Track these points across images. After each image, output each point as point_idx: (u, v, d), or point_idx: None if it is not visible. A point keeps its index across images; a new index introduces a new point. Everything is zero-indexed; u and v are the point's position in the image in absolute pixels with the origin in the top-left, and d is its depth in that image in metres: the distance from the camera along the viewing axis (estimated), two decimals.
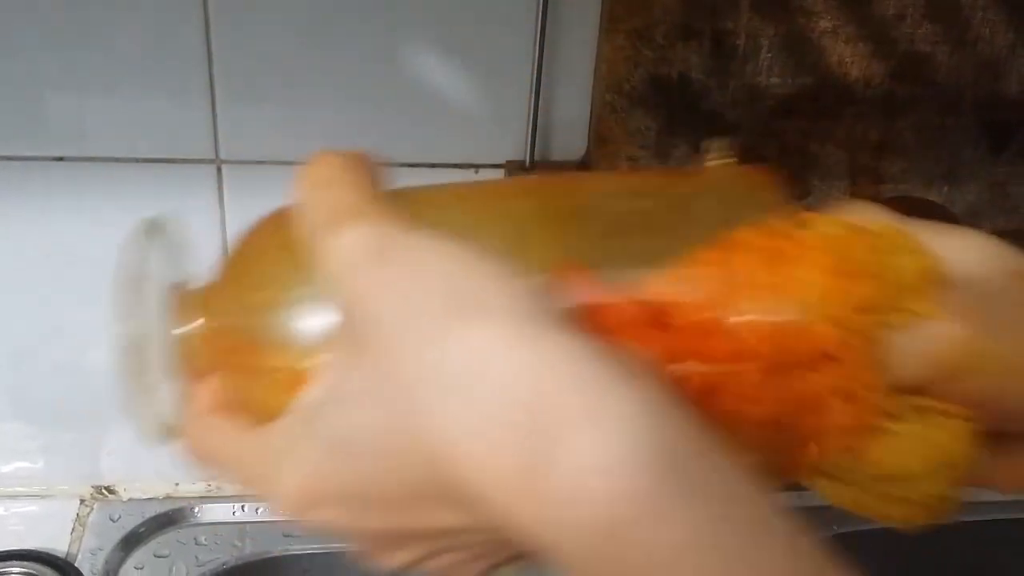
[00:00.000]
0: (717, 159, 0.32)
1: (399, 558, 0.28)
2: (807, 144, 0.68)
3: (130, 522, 0.73)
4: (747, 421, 0.26)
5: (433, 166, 0.67)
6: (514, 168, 0.67)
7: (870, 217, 0.28)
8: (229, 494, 0.76)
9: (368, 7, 0.62)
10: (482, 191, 0.36)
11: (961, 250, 0.28)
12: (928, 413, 0.27)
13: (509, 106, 0.66)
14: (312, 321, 0.28)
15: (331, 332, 0.27)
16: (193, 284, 0.32)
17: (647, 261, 0.28)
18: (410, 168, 0.66)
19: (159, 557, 0.72)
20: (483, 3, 0.63)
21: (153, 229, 0.32)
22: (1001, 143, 0.70)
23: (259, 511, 0.75)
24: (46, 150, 0.64)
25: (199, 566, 0.71)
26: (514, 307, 0.24)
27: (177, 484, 0.76)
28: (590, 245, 0.29)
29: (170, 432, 0.32)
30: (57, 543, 0.70)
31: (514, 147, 0.67)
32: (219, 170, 0.65)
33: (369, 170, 0.28)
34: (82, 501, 0.75)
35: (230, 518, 0.75)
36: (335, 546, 0.73)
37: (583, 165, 0.68)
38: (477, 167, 0.68)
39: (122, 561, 0.71)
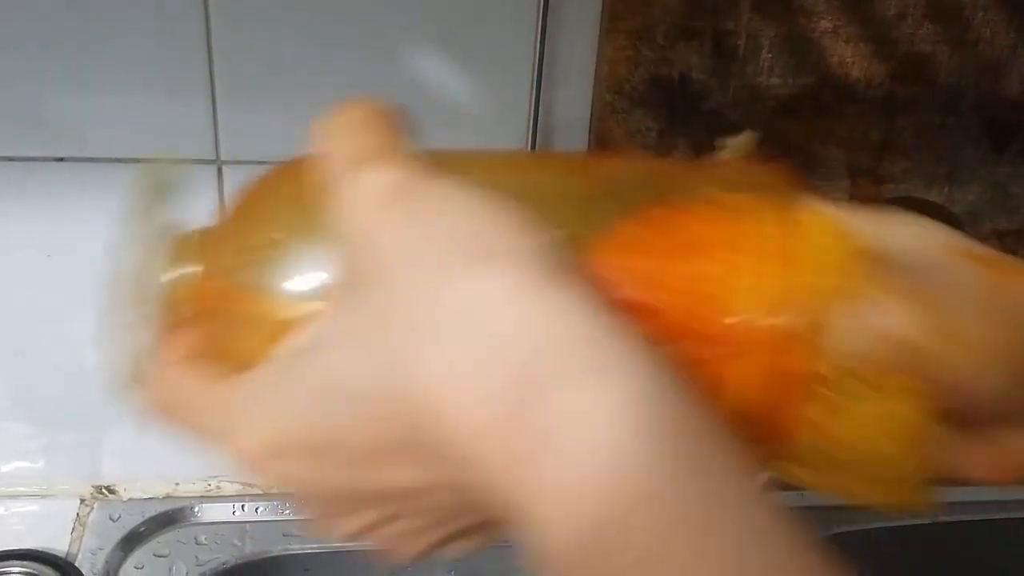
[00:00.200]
0: (733, 153, 0.32)
1: (351, 523, 0.27)
2: (808, 144, 0.68)
3: (130, 522, 0.73)
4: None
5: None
6: None
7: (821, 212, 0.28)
8: (229, 494, 0.76)
9: (369, 8, 0.62)
10: (507, 159, 0.36)
11: (901, 234, 0.29)
12: (882, 389, 0.27)
13: (510, 107, 0.66)
14: (308, 268, 0.27)
15: (328, 282, 0.27)
16: (188, 229, 0.31)
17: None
18: None
19: (159, 557, 0.72)
20: (484, 3, 0.63)
21: (154, 173, 0.31)
22: (1002, 143, 0.70)
23: (259, 511, 0.75)
24: (47, 151, 0.64)
25: (199, 566, 0.71)
26: (522, 258, 0.23)
27: (177, 484, 0.76)
28: (589, 214, 0.28)
29: (141, 381, 0.30)
30: (57, 543, 0.70)
31: (515, 147, 0.67)
32: (219, 170, 0.65)
33: (395, 120, 0.27)
34: (82, 501, 0.75)
35: (230, 518, 0.75)
36: (335, 546, 0.73)
37: None
38: None
39: (122, 561, 0.71)
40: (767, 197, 0.28)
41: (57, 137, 0.63)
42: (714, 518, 0.21)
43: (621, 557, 0.21)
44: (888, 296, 0.26)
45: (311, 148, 0.27)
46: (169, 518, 0.74)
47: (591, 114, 0.67)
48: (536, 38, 0.63)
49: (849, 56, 0.66)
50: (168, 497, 0.76)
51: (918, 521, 0.77)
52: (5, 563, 0.67)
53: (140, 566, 0.71)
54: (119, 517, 0.73)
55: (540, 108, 0.65)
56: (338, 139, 0.26)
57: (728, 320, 0.26)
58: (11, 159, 0.64)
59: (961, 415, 0.28)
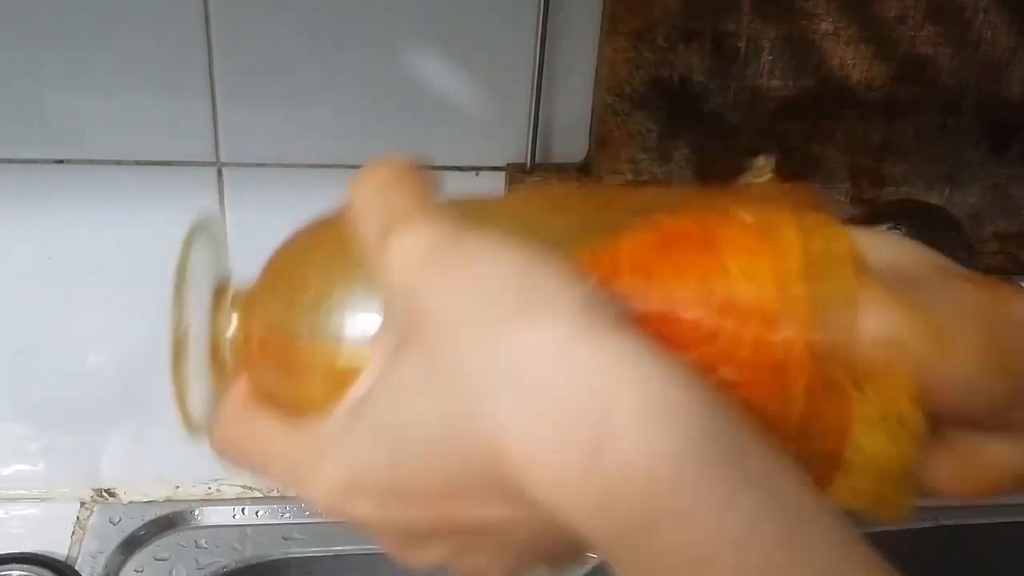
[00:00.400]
0: (757, 176, 0.33)
1: (428, 555, 0.28)
2: (808, 146, 0.68)
3: (130, 525, 0.73)
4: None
5: (434, 168, 0.67)
6: (515, 171, 0.67)
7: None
8: (229, 497, 0.76)
9: (369, 9, 0.62)
10: (525, 203, 0.37)
11: (882, 247, 0.30)
12: (882, 389, 0.27)
13: (510, 108, 0.66)
14: (358, 320, 0.29)
15: (377, 332, 0.28)
16: (237, 284, 0.33)
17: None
18: None
19: (159, 560, 0.72)
20: (484, 5, 0.63)
21: (200, 228, 0.33)
22: (1003, 145, 0.70)
23: (259, 514, 0.75)
24: (47, 153, 0.64)
25: (199, 569, 0.71)
26: (574, 307, 0.25)
27: (177, 487, 0.76)
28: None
29: (209, 428, 0.32)
30: (57, 546, 0.70)
31: (515, 149, 0.67)
32: (220, 172, 0.65)
33: (421, 178, 0.29)
34: (82, 504, 0.75)
35: (230, 521, 0.75)
36: (335, 549, 0.73)
37: (584, 168, 0.68)
38: (478, 169, 0.67)
39: (122, 564, 0.71)
40: (783, 213, 0.29)
41: (57, 139, 0.63)
42: (803, 557, 0.23)
43: None
44: (888, 300, 0.27)
45: (346, 208, 0.29)
46: (169, 521, 0.74)
47: (591, 116, 0.67)
48: (536, 40, 0.63)
49: (850, 58, 0.66)
50: (168, 500, 0.76)
51: (910, 525, 0.77)
52: (5, 566, 0.67)
53: (140, 569, 0.71)
54: (119, 520, 0.73)
55: (540, 110, 0.65)
56: (370, 200, 0.29)
57: (765, 336, 0.27)
58: (11, 161, 0.64)
59: (937, 422, 0.28)
